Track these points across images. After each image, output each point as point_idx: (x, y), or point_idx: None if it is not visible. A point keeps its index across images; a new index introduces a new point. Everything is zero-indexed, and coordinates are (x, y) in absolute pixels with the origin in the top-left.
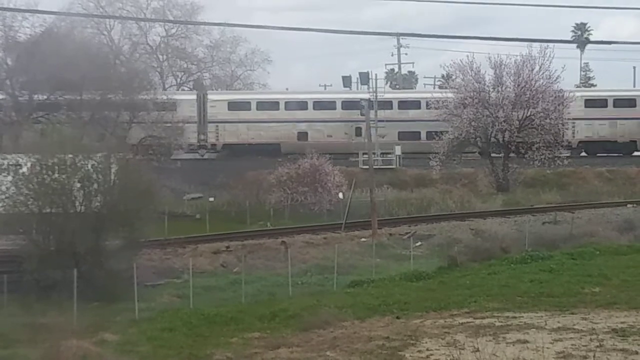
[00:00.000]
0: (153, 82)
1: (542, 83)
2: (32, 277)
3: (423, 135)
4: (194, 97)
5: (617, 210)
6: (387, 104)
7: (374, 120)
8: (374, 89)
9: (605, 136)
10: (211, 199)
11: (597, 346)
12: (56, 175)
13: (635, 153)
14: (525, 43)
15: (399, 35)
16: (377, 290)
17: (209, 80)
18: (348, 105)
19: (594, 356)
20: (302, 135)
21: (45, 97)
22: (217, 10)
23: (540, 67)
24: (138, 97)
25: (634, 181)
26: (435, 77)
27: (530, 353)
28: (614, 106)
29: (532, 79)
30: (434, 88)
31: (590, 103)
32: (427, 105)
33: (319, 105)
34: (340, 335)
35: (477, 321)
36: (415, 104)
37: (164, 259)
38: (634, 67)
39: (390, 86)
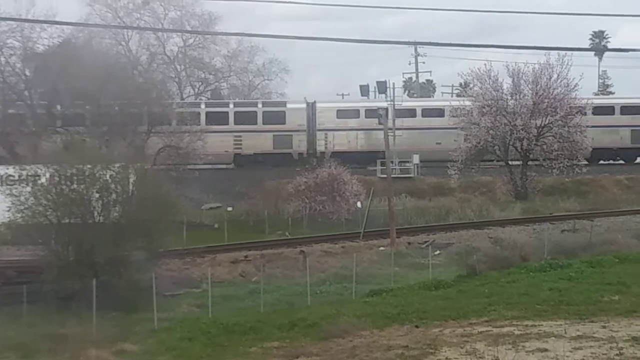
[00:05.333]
0: (171, 92)
1: (560, 91)
2: (52, 287)
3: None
4: (304, 106)
5: (637, 218)
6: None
7: (391, 129)
8: (392, 98)
9: None
10: (229, 209)
11: (617, 354)
12: (75, 185)
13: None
14: (543, 51)
15: (415, 44)
16: (396, 299)
17: (226, 90)
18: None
19: None
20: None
21: (63, 107)
22: (235, 20)
23: (558, 75)
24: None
25: None
26: (452, 86)
27: None
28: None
29: (550, 87)
30: (452, 96)
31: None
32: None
33: (428, 112)
34: (359, 345)
35: (496, 330)
36: None
37: (183, 269)
38: None
39: (407, 95)
